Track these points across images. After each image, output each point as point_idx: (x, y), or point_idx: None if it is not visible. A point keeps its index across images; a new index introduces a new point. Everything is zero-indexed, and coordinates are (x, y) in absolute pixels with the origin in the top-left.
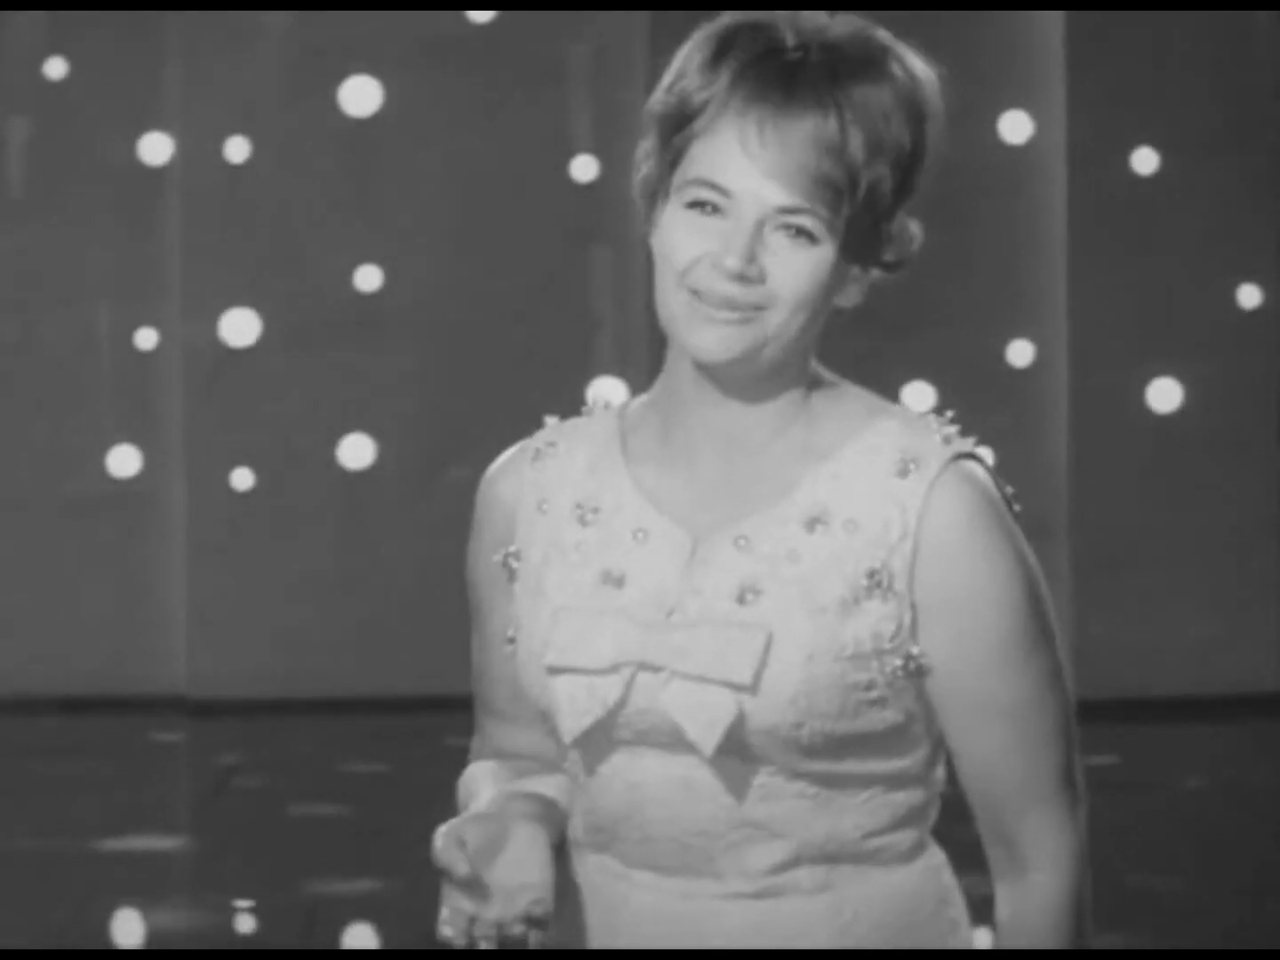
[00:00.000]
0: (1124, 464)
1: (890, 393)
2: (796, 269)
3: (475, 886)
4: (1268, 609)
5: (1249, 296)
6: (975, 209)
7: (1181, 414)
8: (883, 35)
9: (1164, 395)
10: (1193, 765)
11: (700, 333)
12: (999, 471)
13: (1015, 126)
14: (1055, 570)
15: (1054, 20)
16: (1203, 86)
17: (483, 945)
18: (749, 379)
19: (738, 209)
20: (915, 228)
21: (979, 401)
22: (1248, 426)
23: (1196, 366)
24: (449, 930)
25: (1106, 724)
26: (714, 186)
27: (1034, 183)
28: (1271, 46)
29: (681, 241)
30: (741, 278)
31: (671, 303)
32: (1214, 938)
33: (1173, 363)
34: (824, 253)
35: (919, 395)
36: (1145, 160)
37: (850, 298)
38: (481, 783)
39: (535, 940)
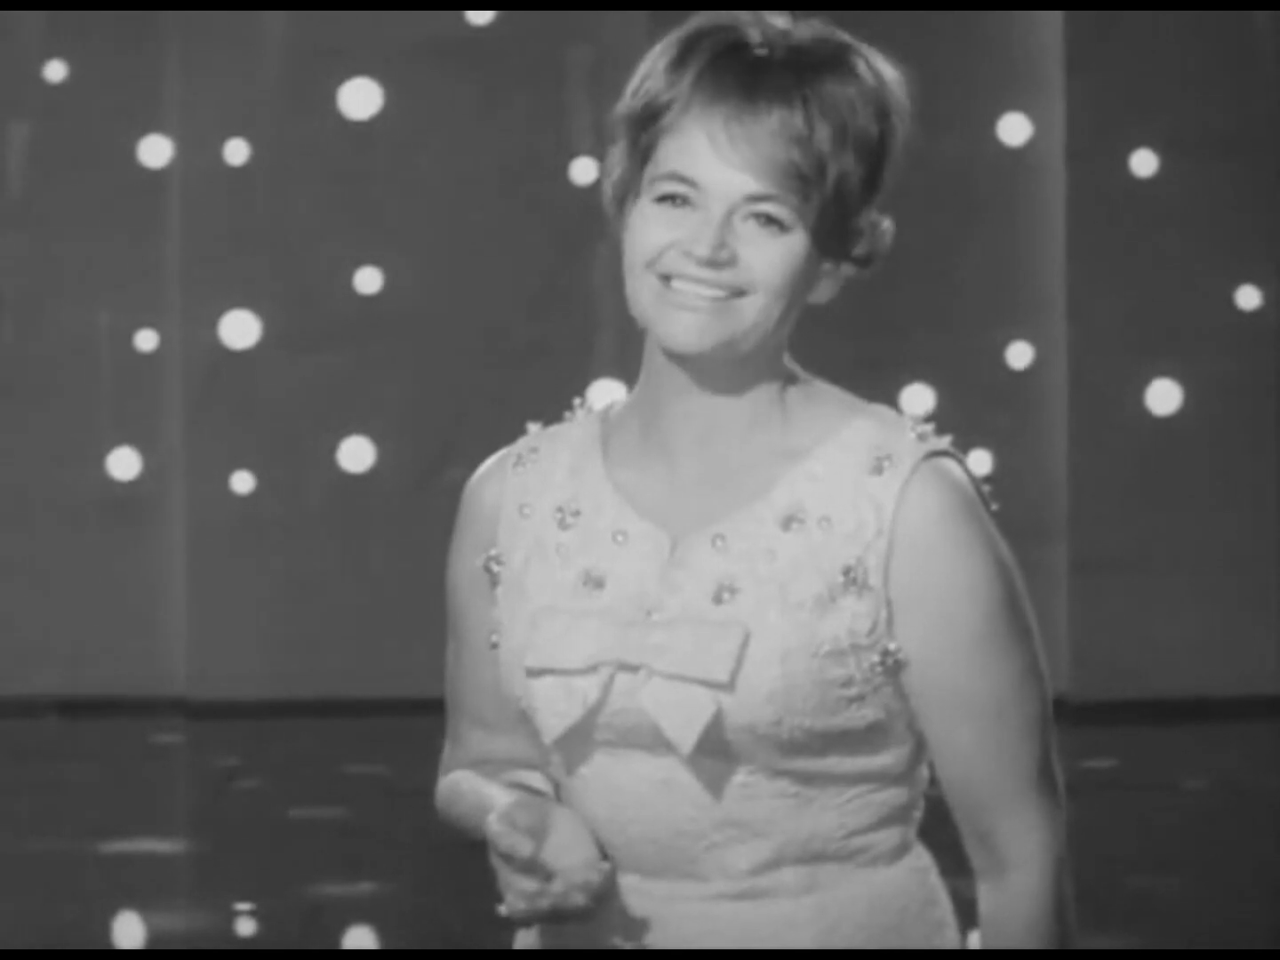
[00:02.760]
0: (1123, 465)
1: (889, 395)
2: (770, 256)
3: (535, 866)
4: (1267, 611)
5: (1247, 298)
6: (974, 211)
7: (1180, 415)
8: (846, 37)
9: (1163, 397)
10: (1192, 767)
11: (673, 322)
12: (996, 473)
13: (1014, 129)
14: (1053, 571)
15: (1053, 22)
16: (1202, 88)
17: (545, 917)
18: (722, 370)
19: (707, 201)
20: (887, 224)
21: (978, 403)
22: (1247, 428)
23: (1195, 368)
24: (519, 906)
25: (1106, 726)
26: (683, 179)
27: (1032, 185)
28: (1271, 47)
29: (651, 231)
30: (712, 263)
31: (641, 292)
32: (1214, 938)
33: (1172, 364)
34: (795, 241)
35: (918, 397)
36: (1144, 162)
37: (823, 294)
38: (478, 783)
39: (594, 907)
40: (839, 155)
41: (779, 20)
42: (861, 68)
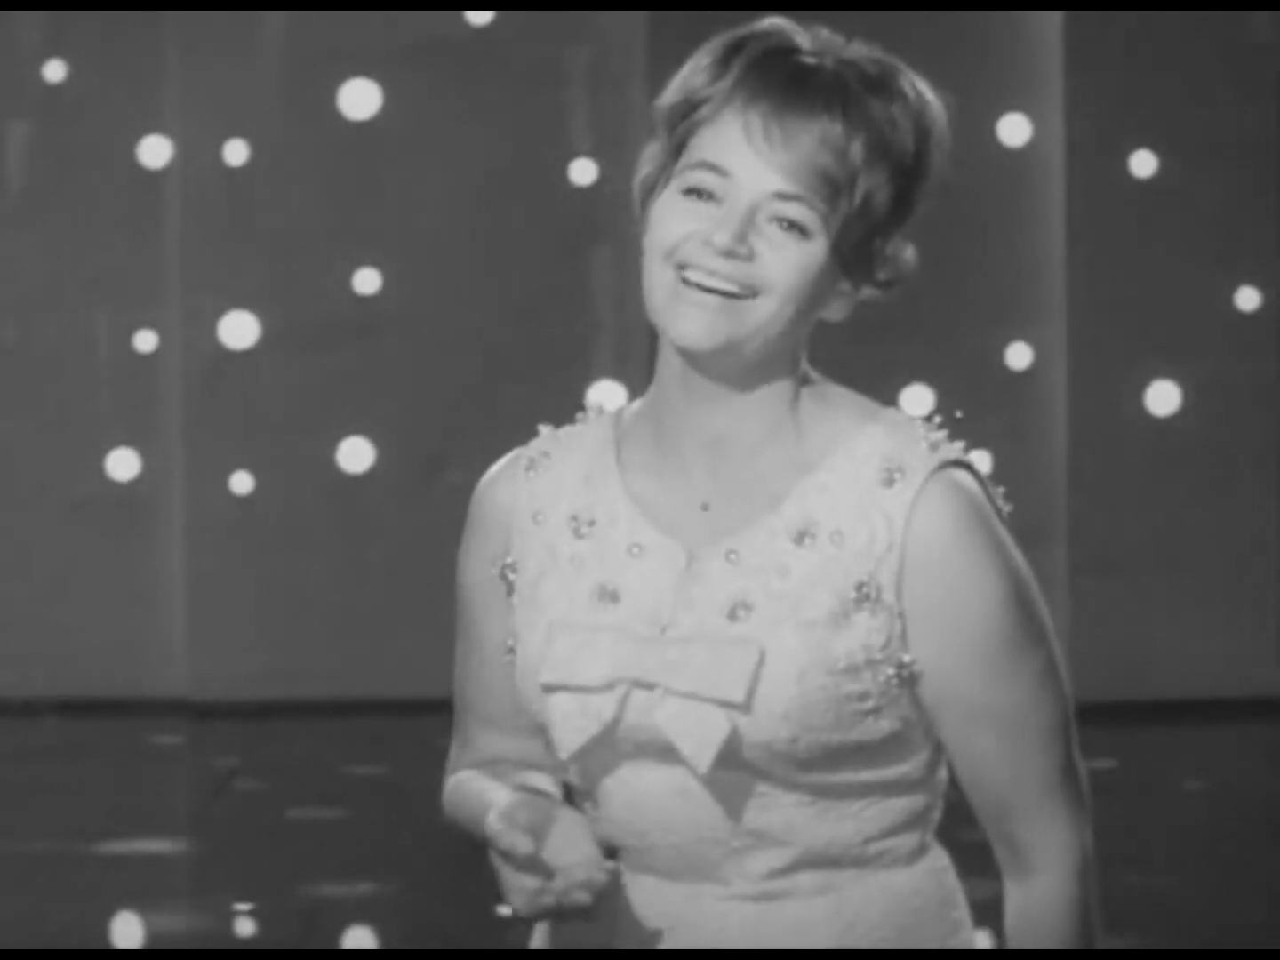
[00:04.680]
0: (1122, 467)
1: (889, 396)
2: (787, 257)
3: (535, 864)
4: (1266, 612)
5: (1247, 299)
6: (974, 212)
7: (1180, 417)
8: (897, 61)
9: (1162, 398)
10: (1191, 768)
11: (685, 318)
12: (996, 475)
13: (1014, 129)
14: (1053, 573)
15: (1053, 22)
16: (1202, 88)
17: (549, 914)
18: (735, 375)
19: (734, 192)
20: (910, 253)
21: (977, 404)
22: (1246, 429)
23: (1195, 369)
24: (519, 903)
25: (1105, 727)
26: (713, 168)
27: (1032, 186)
28: (1271, 47)
29: (673, 222)
30: (730, 254)
31: (657, 284)
32: (1213, 939)
33: (1171, 365)
34: (815, 248)
35: (918, 398)
36: (1144, 163)
37: (836, 312)
38: (483, 783)
39: (598, 906)
40: (872, 169)
41: (833, 36)
42: (906, 88)
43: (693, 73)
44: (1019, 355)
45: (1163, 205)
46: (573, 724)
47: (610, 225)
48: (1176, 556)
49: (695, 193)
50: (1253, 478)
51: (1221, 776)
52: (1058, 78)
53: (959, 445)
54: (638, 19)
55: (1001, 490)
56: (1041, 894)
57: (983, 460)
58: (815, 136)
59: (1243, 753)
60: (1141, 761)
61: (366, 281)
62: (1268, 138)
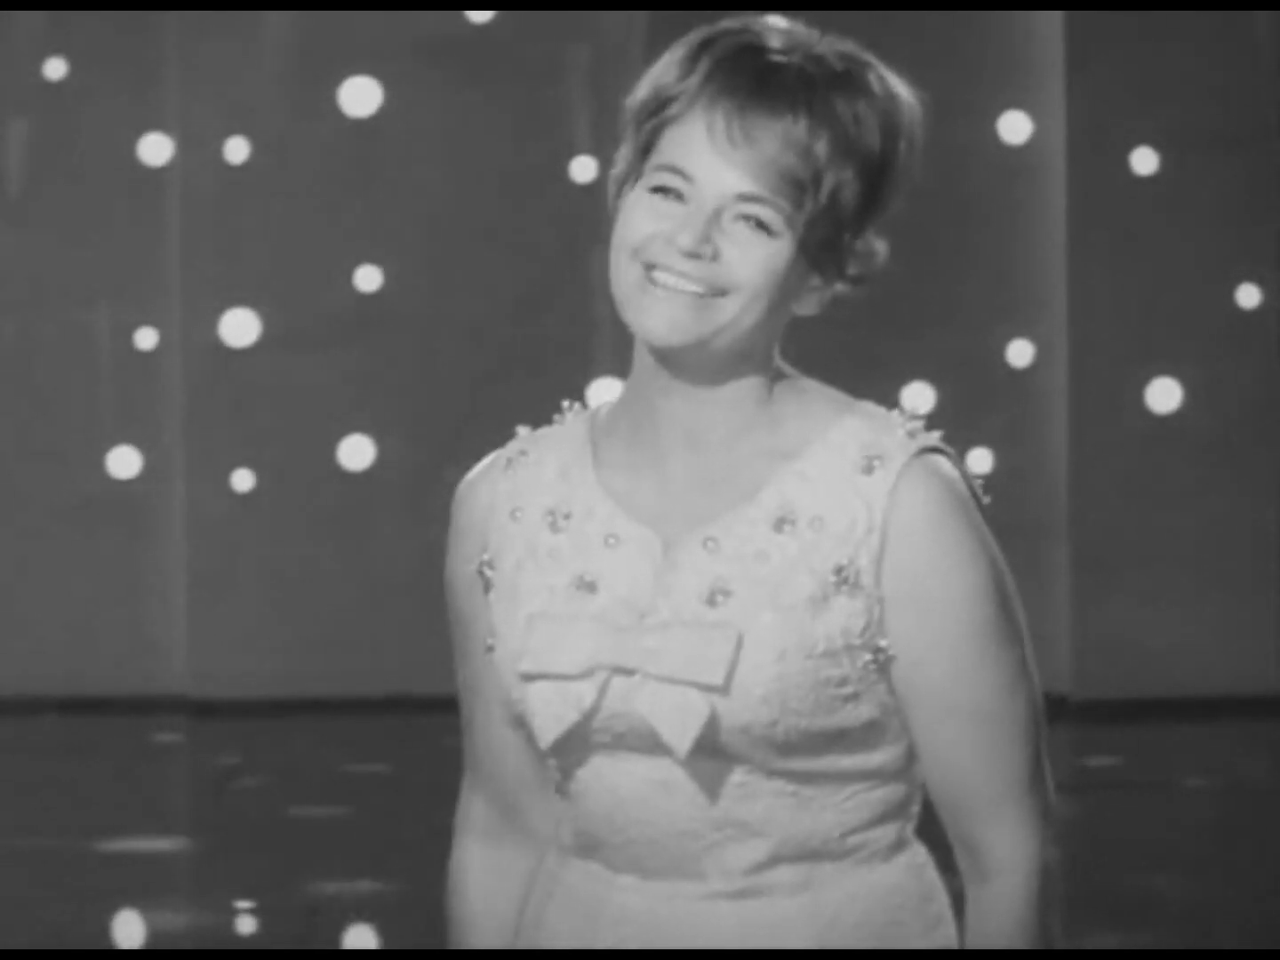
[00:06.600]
0: (1123, 464)
1: (890, 393)
2: (752, 257)
3: None
4: (1267, 609)
5: (1248, 296)
6: (975, 209)
7: (1180, 414)
8: (868, 56)
9: (1163, 395)
10: (1192, 765)
11: (650, 314)
12: (997, 472)
13: (1014, 127)
14: (1054, 569)
15: (1053, 20)
16: (1202, 86)
17: None
18: (706, 370)
19: (699, 195)
20: (882, 247)
21: (979, 402)
22: (1247, 426)
23: (1196, 366)
24: None
25: (1106, 725)
26: (677, 171)
27: (1033, 183)
28: (1271, 46)
29: (639, 219)
30: (694, 255)
31: (623, 280)
32: (1214, 938)
33: (1172, 363)
34: (781, 246)
35: (919, 395)
36: (1144, 160)
37: (808, 307)
38: (479, 917)
39: None
40: (838, 167)
41: (809, 32)
42: (876, 86)
43: (662, 70)
44: (1020, 352)
45: (1163, 202)
46: (552, 712)
47: (609, 223)
48: (1178, 553)
49: (662, 190)
50: (1253, 475)
51: (1223, 774)
52: (1058, 75)
53: (937, 434)
54: (638, 18)
55: (981, 483)
56: (1001, 899)
57: (983, 457)
58: (778, 136)
59: (1245, 750)
60: (1143, 759)
61: (368, 279)
62: (1268, 135)
